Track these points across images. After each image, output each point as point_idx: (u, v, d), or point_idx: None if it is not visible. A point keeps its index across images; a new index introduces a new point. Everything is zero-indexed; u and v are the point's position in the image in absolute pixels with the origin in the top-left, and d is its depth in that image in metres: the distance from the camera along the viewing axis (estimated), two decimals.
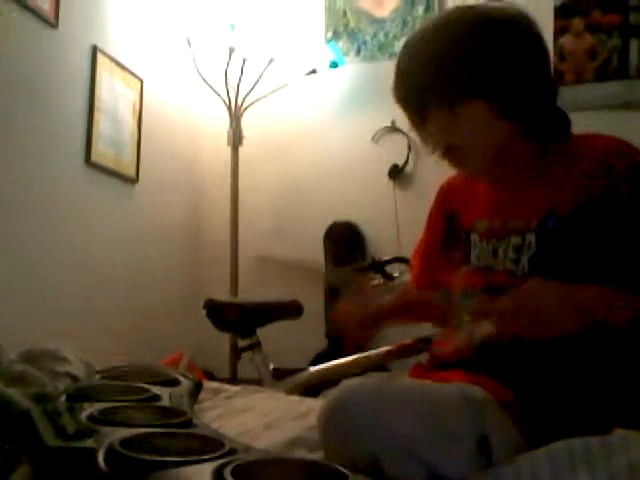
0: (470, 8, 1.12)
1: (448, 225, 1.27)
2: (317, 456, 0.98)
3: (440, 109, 1.09)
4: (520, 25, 1.11)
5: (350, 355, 2.37)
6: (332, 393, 0.98)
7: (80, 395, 1.12)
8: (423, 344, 1.98)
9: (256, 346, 2.35)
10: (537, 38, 1.11)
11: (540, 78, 1.11)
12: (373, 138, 3.37)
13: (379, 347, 2.36)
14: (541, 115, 1.12)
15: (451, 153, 1.14)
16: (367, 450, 0.86)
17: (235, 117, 3.31)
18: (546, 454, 0.79)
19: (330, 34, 3.51)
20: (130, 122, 3.11)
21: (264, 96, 3.34)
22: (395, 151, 3.28)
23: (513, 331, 0.99)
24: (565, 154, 1.12)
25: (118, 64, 3.01)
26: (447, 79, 1.08)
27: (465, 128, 1.09)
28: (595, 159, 1.07)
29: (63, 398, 1.10)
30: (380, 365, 2.45)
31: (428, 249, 1.35)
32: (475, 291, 1.14)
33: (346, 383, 1.01)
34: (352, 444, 0.88)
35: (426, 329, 1.50)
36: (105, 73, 2.91)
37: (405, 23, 3.38)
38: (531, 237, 1.09)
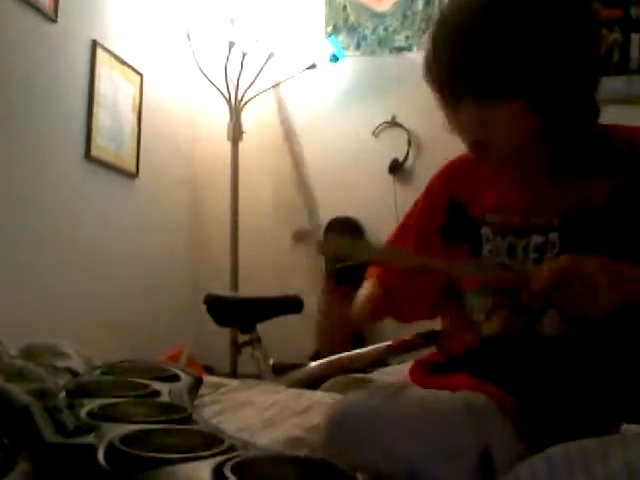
0: None
1: (452, 210, 1.18)
2: (317, 454, 0.98)
3: (475, 102, 1.00)
4: (579, 17, 0.97)
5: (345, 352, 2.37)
6: (334, 408, 0.97)
7: (80, 391, 1.12)
8: (424, 339, 1.98)
9: (256, 341, 2.35)
10: (594, 29, 1.00)
11: (586, 75, 1.01)
12: (373, 133, 3.36)
13: (380, 342, 2.36)
14: (576, 120, 1.03)
15: (478, 146, 1.07)
16: (368, 466, 0.86)
17: (235, 111, 3.30)
18: (544, 458, 0.79)
19: (330, 28, 3.50)
20: (130, 117, 3.10)
21: (264, 90, 3.34)
22: (395, 146, 3.28)
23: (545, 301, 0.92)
24: (589, 147, 1.05)
25: (118, 59, 3.00)
26: (490, 74, 0.97)
27: (497, 126, 1.01)
28: (621, 152, 1.03)
29: (63, 394, 1.10)
30: (380, 360, 2.45)
31: (423, 231, 1.23)
32: (489, 290, 1.08)
33: (347, 398, 0.99)
34: (353, 459, 0.87)
35: (426, 325, 1.49)
36: (105, 68, 2.90)
37: (405, 17, 3.37)
38: (554, 236, 1.03)
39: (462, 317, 1.14)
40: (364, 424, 0.89)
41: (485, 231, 1.11)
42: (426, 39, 1.05)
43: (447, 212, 1.19)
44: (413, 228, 1.26)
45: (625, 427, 1.04)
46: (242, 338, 2.43)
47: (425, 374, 1.15)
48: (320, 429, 0.97)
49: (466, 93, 1.00)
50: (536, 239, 1.04)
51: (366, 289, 1.26)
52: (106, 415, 0.96)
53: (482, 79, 0.97)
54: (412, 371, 1.20)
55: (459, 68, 0.99)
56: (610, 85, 2.97)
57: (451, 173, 1.23)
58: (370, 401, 0.96)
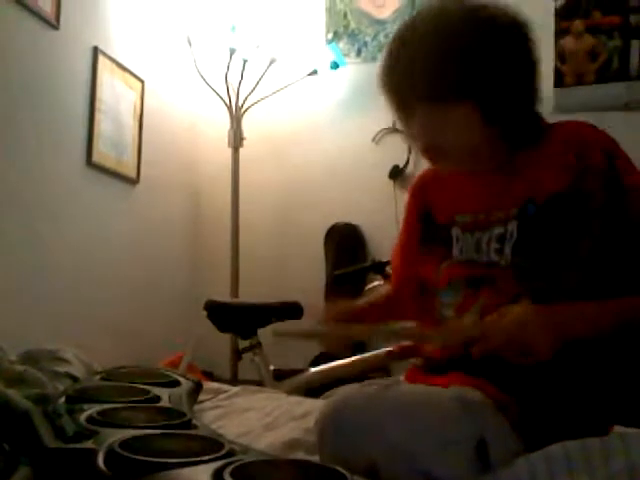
0: (467, 5, 1.09)
1: (424, 219, 1.27)
2: (315, 458, 0.98)
3: (429, 107, 1.07)
4: (518, 30, 1.09)
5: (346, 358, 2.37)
6: (330, 400, 0.98)
7: (80, 396, 1.12)
8: None
9: (257, 347, 2.35)
10: (532, 43, 1.10)
11: (527, 88, 1.11)
12: (374, 139, 3.37)
13: (379, 348, 2.36)
14: (521, 122, 1.12)
15: (431, 151, 1.14)
16: (364, 457, 0.86)
17: (236, 118, 3.31)
18: (543, 457, 0.79)
19: (331, 35, 3.51)
20: (131, 123, 3.11)
21: (265, 97, 3.34)
22: (396, 152, 3.28)
23: (494, 353, 0.98)
24: (542, 143, 1.12)
25: (119, 65, 3.01)
26: (440, 77, 1.05)
27: (450, 129, 1.09)
28: (571, 149, 1.07)
29: (63, 399, 1.11)
30: (380, 366, 2.45)
31: (406, 245, 1.34)
32: (459, 285, 1.14)
33: (344, 390, 1.01)
34: (349, 451, 0.88)
35: None
36: (106, 74, 2.91)
37: None
38: (512, 225, 1.09)
39: (434, 315, 1.18)
40: (360, 413, 0.90)
41: (455, 231, 1.18)
42: (382, 53, 1.14)
43: (422, 221, 1.28)
44: (400, 243, 1.37)
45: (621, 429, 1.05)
46: (243, 344, 2.43)
47: (419, 375, 1.16)
48: (315, 422, 0.97)
49: (418, 97, 1.07)
50: (497, 230, 1.11)
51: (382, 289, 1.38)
52: (106, 420, 0.96)
53: (431, 82, 1.05)
54: (408, 373, 1.22)
55: (412, 74, 1.07)
56: (610, 91, 2.98)
57: (419, 185, 1.33)
58: (365, 392, 0.97)
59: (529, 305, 0.98)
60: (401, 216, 1.40)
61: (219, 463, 0.78)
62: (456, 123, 1.08)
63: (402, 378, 1.23)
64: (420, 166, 3.25)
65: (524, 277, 1.05)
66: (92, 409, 1.01)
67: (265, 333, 2.37)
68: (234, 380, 2.94)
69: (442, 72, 1.05)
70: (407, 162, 3.27)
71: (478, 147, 1.11)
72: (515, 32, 1.09)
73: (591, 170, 1.05)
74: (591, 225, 1.04)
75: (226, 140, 3.33)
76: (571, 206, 1.05)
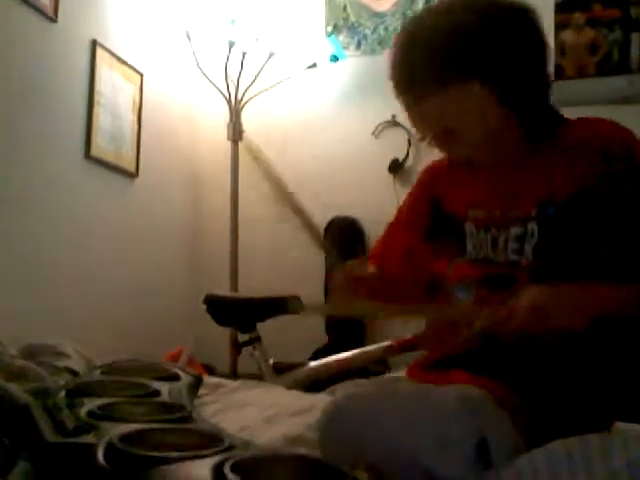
0: None
1: (434, 209, 1.25)
2: (316, 453, 0.98)
3: (438, 89, 1.07)
4: (521, 13, 1.10)
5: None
6: (332, 400, 0.98)
7: (80, 390, 1.12)
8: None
9: (256, 341, 2.35)
10: (537, 28, 1.10)
11: (537, 68, 1.10)
12: (373, 133, 3.36)
13: (379, 342, 2.36)
14: (535, 106, 1.11)
15: (443, 136, 1.12)
16: (366, 457, 0.86)
17: (235, 111, 3.30)
18: (545, 454, 0.79)
19: (330, 28, 3.50)
20: (130, 116, 3.10)
21: (264, 90, 3.34)
22: (395, 146, 3.28)
23: (520, 329, 0.98)
24: (562, 140, 1.11)
25: (118, 58, 3.00)
26: (446, 58, 1.05)
27: (460, 109, 1.07)
28: (593, 146, 1.06)
29: (63, 393, 1.11)
30: (380, 360, 2.45)
31: (411, 232, 1.30)
32: (472, 283, 1.13)
33: (346, 389, 1.01)
34: (351, 451, 0.88)
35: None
36: (105, 67, 2.90)
37: (405, 17, 3.36)
38: (533, 226, 1.08)
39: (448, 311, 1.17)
40: (361, 413, 0.90)
41: (469, 226, 1.16)
42: (393, 42, 1.14)
43: (430, 213, 1.25)
44: (398, 224, 1.35)
45: (622, 425, 1.05)
46: (242, 338, 2.43)
47: (422, 371, 1.16)
48: (318, 424, 0.97)
49: (431, 80, 1.07)
50: (516, 230, 1.10)
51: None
52: (106, 414, 0.96)
53: (443, 63, 1.05)
54: (409, 370, 1.21)
55: (422, 58, 1.07)
56: (611, 85, 2.97)
57: (429, 176, 1.30)
58: (367, 392, 0.97)
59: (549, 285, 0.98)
60: None
61: (219, 457, 0.77)
62: (470, 104, 1.07)
63: (403, 374, 1.23)
64: (420, 160, 3.25)
65: (548, 279, 1.03)
66: (92, 403, 1.01)
67: (264, 327, 2.37)
68: (234, 374, 2.94)
69: (446, 53, 1.05)
70: (407, 156, 3.27)
71: (494, 132, 1.10)
72: (523, 15, 1.09)
73: (614, 170, 1.04)
74: (613, 226, 1.03)
75: (225, 133, 3.32)
76: (593, 206, 1.04)
